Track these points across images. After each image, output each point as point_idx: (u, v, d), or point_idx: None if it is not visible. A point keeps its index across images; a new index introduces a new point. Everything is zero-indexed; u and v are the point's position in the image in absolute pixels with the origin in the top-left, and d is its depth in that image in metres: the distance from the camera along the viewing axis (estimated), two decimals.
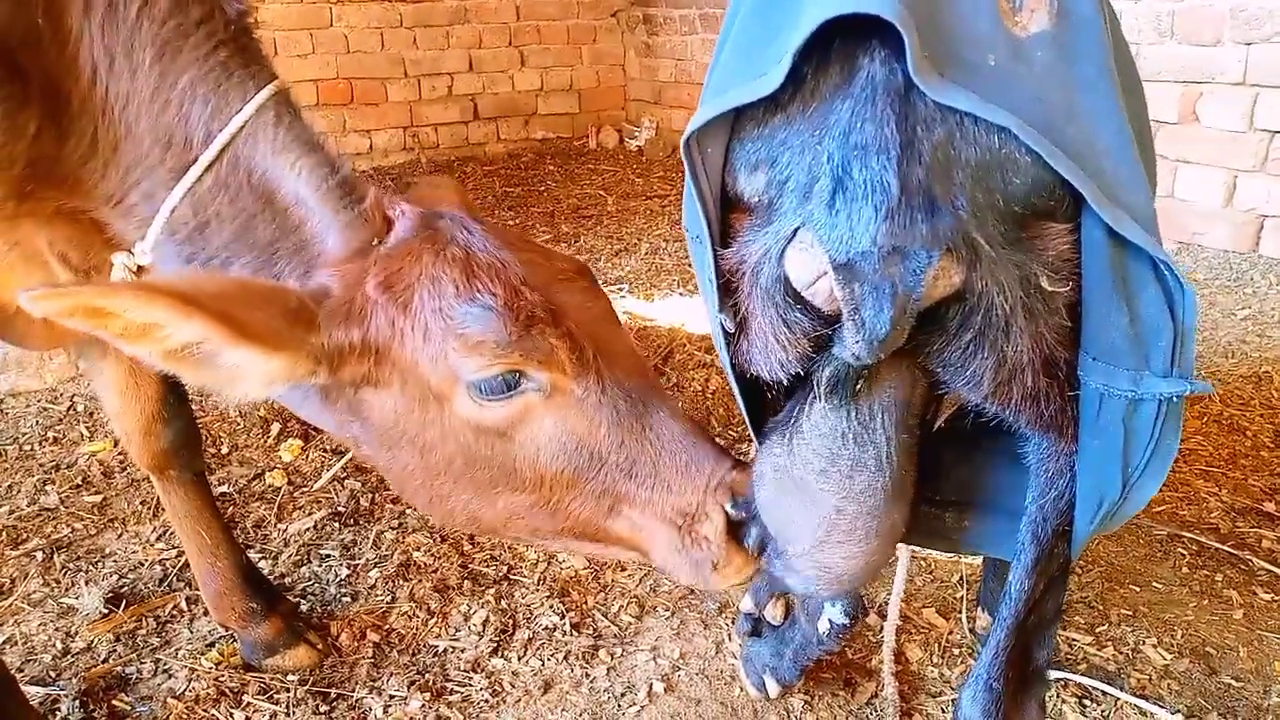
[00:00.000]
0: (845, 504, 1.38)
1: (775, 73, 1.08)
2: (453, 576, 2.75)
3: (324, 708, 2.27)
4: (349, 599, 2.69)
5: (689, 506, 1.46)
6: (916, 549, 2.58)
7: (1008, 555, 1.61)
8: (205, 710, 2.25)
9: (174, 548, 2.89)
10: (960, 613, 2.53)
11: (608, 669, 2.38)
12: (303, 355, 1.38)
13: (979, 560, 2.54)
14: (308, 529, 3.02)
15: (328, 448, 3.53)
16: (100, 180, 1.50)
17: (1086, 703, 2.21)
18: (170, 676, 2.38)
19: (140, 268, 1.52)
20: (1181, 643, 2.40)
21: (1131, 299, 1.19)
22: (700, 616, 2.56)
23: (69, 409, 3.87)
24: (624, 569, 2.75)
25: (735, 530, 1.49)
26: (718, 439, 1.63)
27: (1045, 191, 1.12)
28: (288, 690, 2.32)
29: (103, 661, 2.44)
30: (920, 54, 1.00)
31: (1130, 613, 2.51)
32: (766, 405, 1.58)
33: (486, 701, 2.28)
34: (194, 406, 2.49)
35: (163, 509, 2.73)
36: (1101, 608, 2.54)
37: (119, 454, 3.45)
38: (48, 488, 3.27)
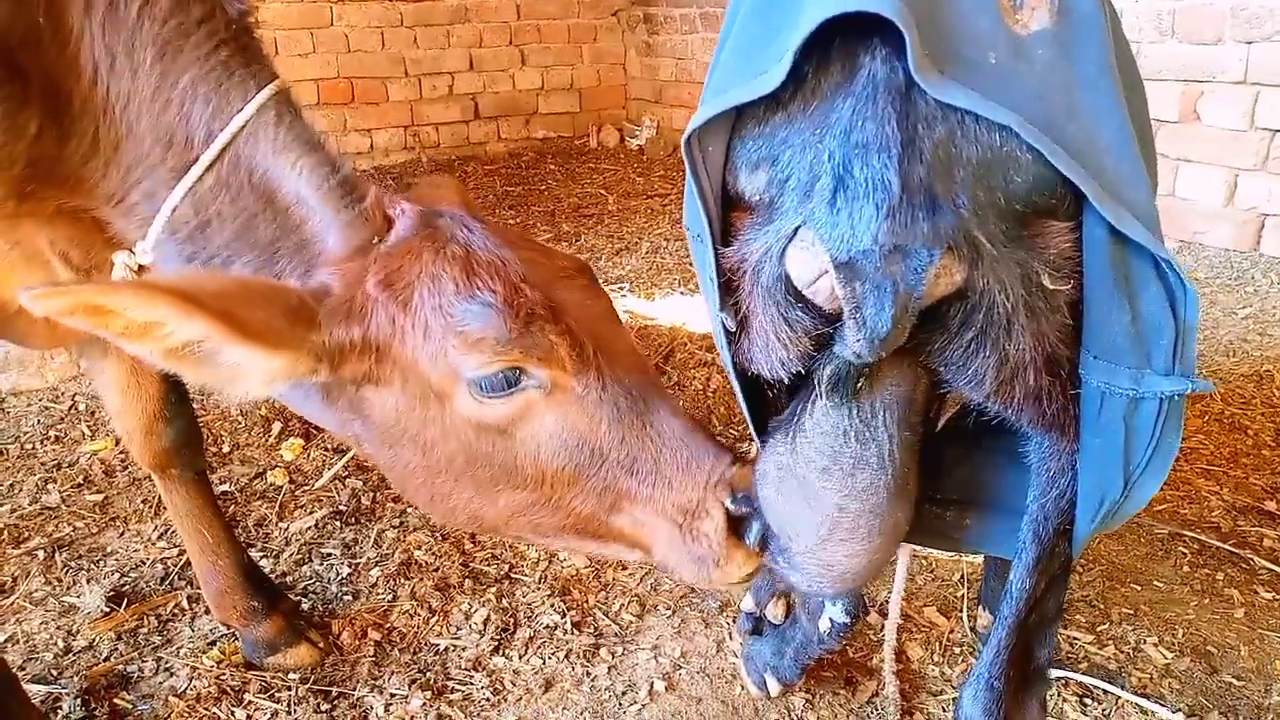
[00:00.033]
0: (847, 502, 1.38)
1: (776, 71, 1.08)
2: (454, 575, 2.75)
3: (325, 706, 2.27)
4: (350, 597, 2.69)
5: (690, 503, 1.46)
6: (917, 548, 2.58)
7: (1009, 554, 1.61)
8: (206, 709, 2.25)
9: (175, 546, 2.89)
10: (961, 611, 2.53)
11: (609, 667, 2.38)
12: (304, 353, 1.38)
13: (980, 559, 2.54)
14: (309, 527, 3.02)
15: (329, 446, 3.53)
16: (101, 180, 1.50)
17: (1087, 701, 2.21)
18: (172, 675, 2.39)
19: (141, 267, 1.52)
20: (1182, 641, 2.39)
21: (1133, 297, 1.19)
22: (701, 615, 2.56)
23: (70, 408, 3.87)
24: (625, 568, 2.75)
25: (736, 526, 1.49)
26: (719, 437, 1.63)
27: (1046, 189, 1.12)
28: (289, 689, 2.32)
29: (104, 660, 2.44)
30: (921, 52, 1.00)
31: (1131, 611, 2.51)
32: (767, 404, 1.58)
33: (488, 700, 2.28)
34: (195, 405, 2.49)
35: (164, 508, 2.73)
36: (1103, 606, 2.54)
37: (120, 453, 3.46)
38: (49, 486, 3.27)
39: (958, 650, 2.40)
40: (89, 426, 3.71)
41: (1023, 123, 1.04)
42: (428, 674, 2.37)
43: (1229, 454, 3.26)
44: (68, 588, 2.73)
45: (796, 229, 1.13)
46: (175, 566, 2.82)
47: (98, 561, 2.86)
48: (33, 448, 3.55)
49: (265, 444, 3.58)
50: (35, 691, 2.29)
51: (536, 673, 2.37)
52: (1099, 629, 2.45)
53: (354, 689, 2.33)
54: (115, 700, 2.30)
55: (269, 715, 2.24)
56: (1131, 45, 1.54)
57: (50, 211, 1.56)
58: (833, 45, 1.08)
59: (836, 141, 1.07)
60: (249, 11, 1.55)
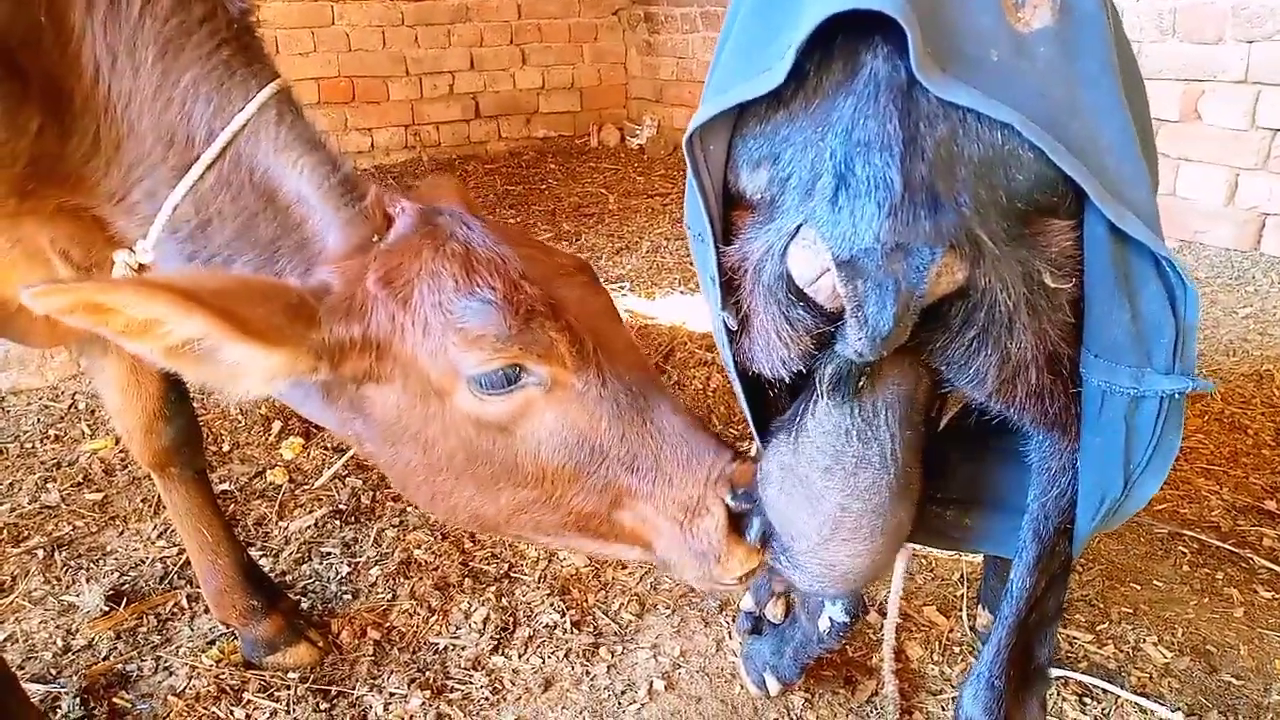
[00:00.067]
0: (850, 501, 1.38)
1: (778, 69, 1.08)
2: (453, 574, 2.75)
3: (324, 705, 2.27)
4: (350, 596, 2.69)
5: (690, 500, 1.46)
6: (917, 547, 2.58)
7: (1009, 553, 1.61)
8: (206, 708, 2.25)
9: (175, 545, 2.89)
10: (961, 611, 2.53)
11: (608, 666, 2.38)
12: (303, 351, 1.38)
13: (979, 558, 2.54)
14: (309, 527, 3.02)
15: (329, 445, 3.53)
16: (102, 178, 1.50)
17: (1087, 701, 2.22)
18: (171, 674, 2.39)
19: (142, 265, 1.52)
20: (1182, 641, 2.40)
21: (1133, 295, 1.19)
22: (701, 614, 2.56)
23: (70, 407, 3.87)
24: (624, 567, 2.75)
25: (737, 523, 1.49)
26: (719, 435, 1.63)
27: (1048, 188, 1.12)
28: (288, 688, 2.32)
29: (103, 659, 2.44)
30: (923, 50, 1.00)
31: (1131, 611, 2.51)
32: (768, 403, 1.58)
33: (487, 699, 2.28)
34: (195, 404, 2.49)
35: (164, 507, 2.73)
36: (1102, 606, 2.54)
37: (120, 452, 3.46)
38: (49, 485, 3.27)
39: (957, 649, 2.40)
40: (89, 425, 3.71)
41: (1025, 121, 1.04)
42: (427, 673, 2.37)
43: (1229, 453, 3.26)
44: (67, 587, 2.73)
45: (798, 227, 1.13)
46: (175, 565, 2.82)
47: (97, 560, 2.86)
48: (32, 446, 3.55)
49: (265, 443, 3.58)
50: (34, 690, 2.29)
51: (536, 672, 2.37)
52: (1098, 628, 2.45)
53: (353, 688, 2.33)
54: (114, 699, 2.30)
55: (268, 714, 2.24)
56: (1132, 44, 1.54)
57: (51, 210, 1.56)
58: (834, 43, 1.08)
59: (838, 140, 1.07)
60: (250, 10, 1.55)
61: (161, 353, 1.31)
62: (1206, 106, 5.17)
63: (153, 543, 2.95)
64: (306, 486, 3.27)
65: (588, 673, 2.36)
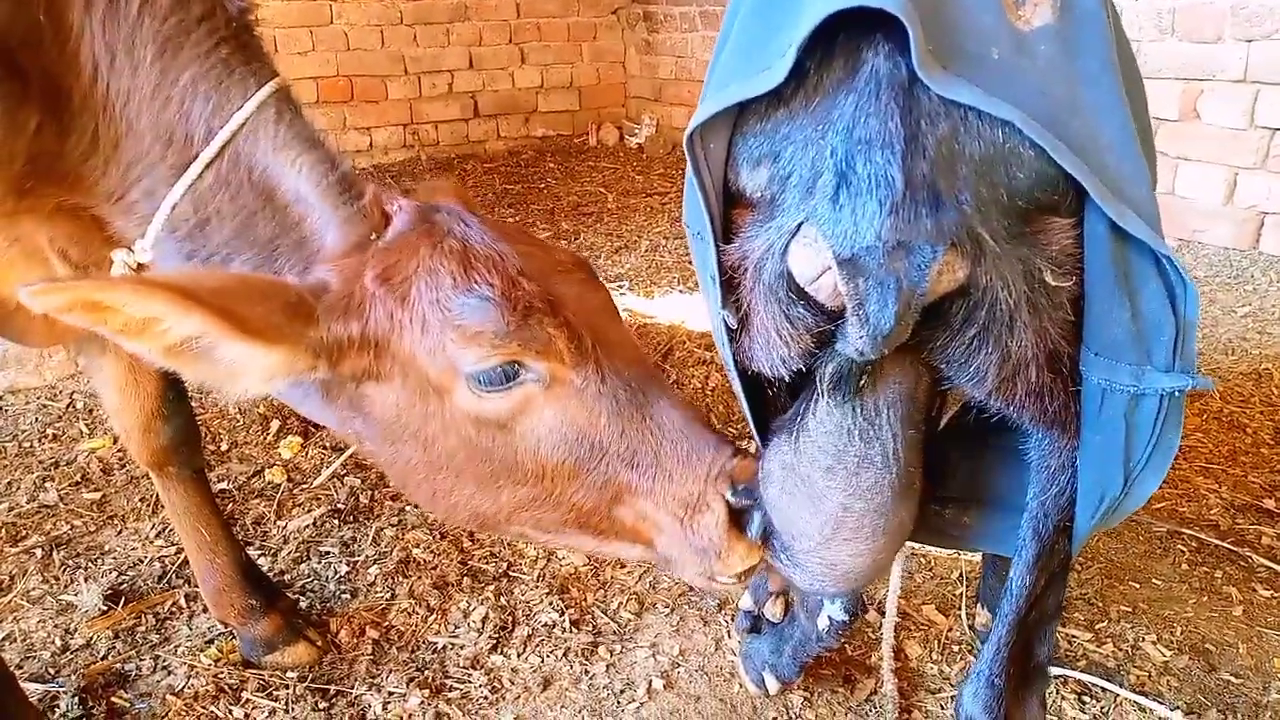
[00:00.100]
0: (852, 501, 1.38)
1: (780, 66, 1.07)
2: (452, 573, 2.75)
3: (323, 704, 2.27)
4: (348, 596, 2.69)
5: (690, 495, 1.46)
6: (916, 545, 2.58)
7: (1008, 551, 1.61)
8: (204, 707, 2.25)
9: (173, 545, 2.88)
10: (959, 610, 2.53)
11: (607, 666, 2.38)
12: (301, 349, 1.38)
13: (978, 557, 2.54)
14: (307, 526, 3.02)
15: (327, 444, 3.53)
16: (101, 177, 1.49)
17: (1086, 699, 2.22)
18: (169, 673, 2.38)
19: (140, 265, 1.52)
20: (1181, 639, 2.40)
21: (1134, 294, 1.19)
22: (700, 613, 2.56)
23: (68, 406, 3.86)
24: (623, 566, 2.75)
25: (737, 519, 1.48)
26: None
27: (1049, 186, 1.12)
28: (287, 687, 2.32)
29: (102, 658, 2.44)
30: (925, 47, 1.00)
31: (1130, 609, 2.51)
32: (767, 402, 1.58)
33: (486, 698, 2.28)
34: (193, 403, 2.49)
35: (162, 506, 2.73)
36: (1101, 604, 2.54)
37: (118, 451, 3.45)
38: (47, 485, 3.26)
39: (956, 648, 2.40)
40: (87, 424, 3.71)
41: (1025, 118, 1.04)
42: (426, 672, 2.37)
43: (1228, 452, 3.26)
44: (65, 586, 2.72)
45: (799, 225, 1.13)
46: (173, 565, 2.81)
47: (95, 560, 2.85)
48: (30, 446, 3.54)
49: (263, 442, 3.58)
50: (33, 690, 2.28)
51: (535, 671, 2.36)
52: (1097, 627, 2.45)
53: (352, 687, 2.33)
54: (113, 698, 2.30)
55: (267, 713, 2.24)
56: (1131, 44, 1.55)
57: (50, 209, 1.56)
58: (835, 41, 1.08)
59: (839, 138, 1.06)
60: (249, 9, 1.55)
61: (160, 352, 1.30)
62: (1205, 106, 5.17)
63: (151, 542, 2.94)
64: (305, 485, 3.27)
65: (586, 671, 2.36)
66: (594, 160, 8.70)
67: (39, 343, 2.62)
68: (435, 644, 2.47)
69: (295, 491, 3.23)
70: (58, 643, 2.49)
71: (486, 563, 2.81)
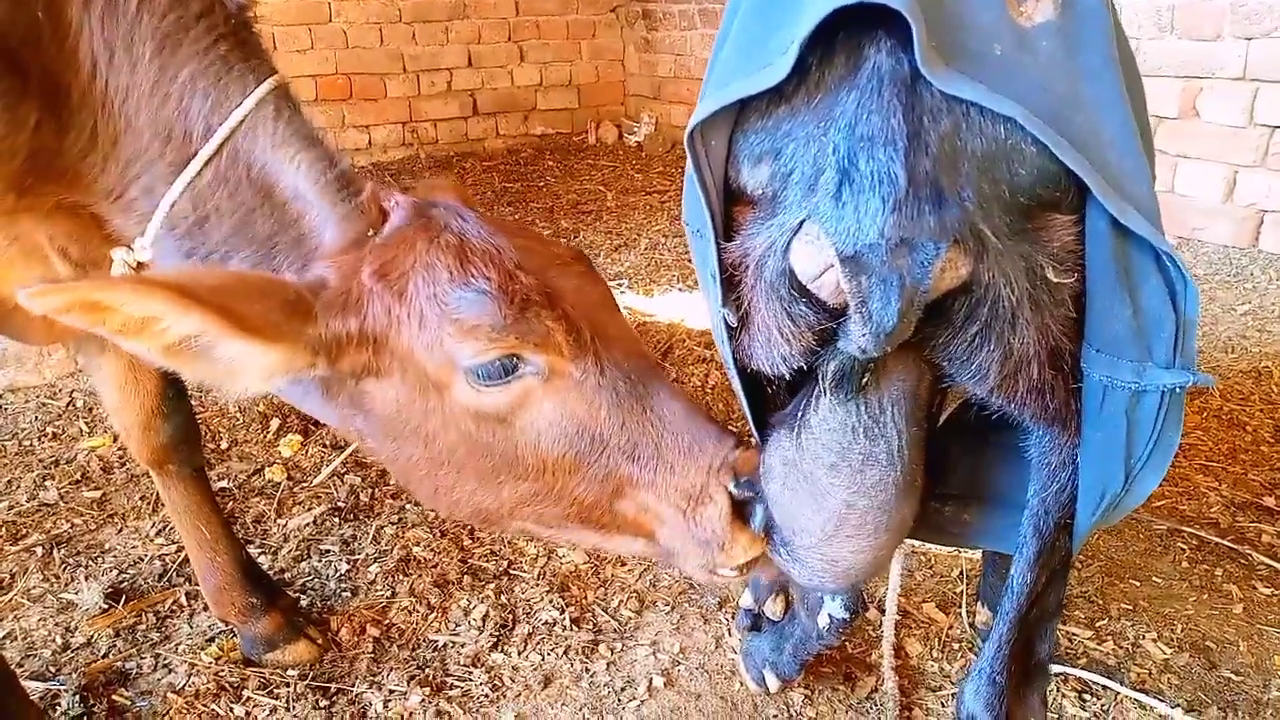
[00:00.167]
0: (856, 498, 1.38)
1: (781, 63, 1.07)
2: (452, 571, 2.75)
3: (324, 702, 2.27)
4: (349, 594, 2.69)
5: (693, 487, 1.45)
6: (916, 543, 2.58)
7: (1009, 549, 1.61)
8: (205, 705, 2.25)
9: (174, 543, 2.88)
10: (960, 607, 2.53)
11: (607, 664, 2.38)
12: (300, 346, 1.38)
13: (978, 555, 2.54)
14: (307, 524, 3.02)
15: (327, 443, 3.53)
16: (100, 174, 1.49)
17: (1086, 697, 2.22)
18: (170, 671, 2.38)
19: (140, 263, 1.52)
20: (1181, 637, 2.40)
21: (1134, 290, 1.19)
22: (700, 611, 2.56)
23: (68, 404, 3.86)
24: (623, 564, 2.75)
25: (740, 511, 1.48)
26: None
27: (1051, 182, 1.12)
28: (287, 685, 2.32)
29: (102, 657, 2.44)
30: (927, 44, 1.00)
31: (1130, 607, 2.51)
32: (767, 401, 1.58)
33: (486, 696, 2.28)
34: (193, 402, 2.48)
35: (162, 504, 2.73)
36: (1101, 602, 2.54)
37: (118, 449, 3.45)
38: (47, 483, 3.26)
39: (956, 646, 2.40)
40: (86, 423, 3.70)
41: (1028, 115, 1.04)
42: (426, 670, 2.37)
43: (1227, 450, 3.26)
44: (66, 584, 2.72)
45: (801, 223, 1.12)
46: (173, 563, 2.81)
47: (96, 558, 2.85)
48: (30, 444, 3.54)
49: (263, 440, 3.57)
50: (33, 688, 2.28)
51: (535, 669, 2.36)
52: (1098, 624, 2.46)
53: (352, 685, 2.32)
54: (114, 697, 2.30)
55: (267, 711, 2.24)
56: (1131, 41, 1.54)
57: (49, 207, 1.55)
58: (837, 38, 1.08)
59: (841, 134, 1.06)
60: (248, 6, 1.55)
61: (159, 351, 1.30)
62: (1205, 103, 5.17)
63: (151, 540, 2.94)
64: (305, 484, 3.27)
65: (587, 669, 2.36)
66: (593, 158, 8.70)
67: (39, 341, 2.62)
68: (436, 642, 2.47)
69: (295, 489, 3.23)
70: (58, 641, 2.49)
71: (487, 561, 2.80)
